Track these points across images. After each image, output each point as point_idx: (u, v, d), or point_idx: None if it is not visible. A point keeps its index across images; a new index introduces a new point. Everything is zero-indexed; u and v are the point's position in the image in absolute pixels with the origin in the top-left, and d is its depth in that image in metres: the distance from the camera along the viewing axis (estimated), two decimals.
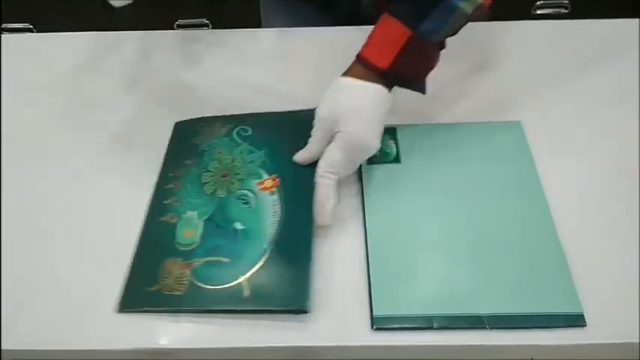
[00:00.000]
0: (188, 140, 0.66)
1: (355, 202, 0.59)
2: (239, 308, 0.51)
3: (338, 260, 0.55)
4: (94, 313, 0.53)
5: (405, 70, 0.56)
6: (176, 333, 0.51)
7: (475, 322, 0.50)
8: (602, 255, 0.54)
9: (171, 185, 0.61)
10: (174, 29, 1.08)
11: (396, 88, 0.57)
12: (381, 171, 0.61)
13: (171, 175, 0.62)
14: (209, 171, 0.62)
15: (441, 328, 0.50)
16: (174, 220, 0.58)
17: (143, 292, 0.53)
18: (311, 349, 0.51)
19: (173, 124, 0.68)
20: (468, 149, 0.63)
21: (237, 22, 0.82)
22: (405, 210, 0.58)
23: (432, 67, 0.58)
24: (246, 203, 0.58)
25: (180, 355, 0.51)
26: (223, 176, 0.61)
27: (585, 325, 0.49)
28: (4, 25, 1.52)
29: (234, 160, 0.62)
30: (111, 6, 0.66)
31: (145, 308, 0.52)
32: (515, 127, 0.64)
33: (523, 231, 0.55)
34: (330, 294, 0.53)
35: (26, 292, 0.54)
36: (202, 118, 0.68)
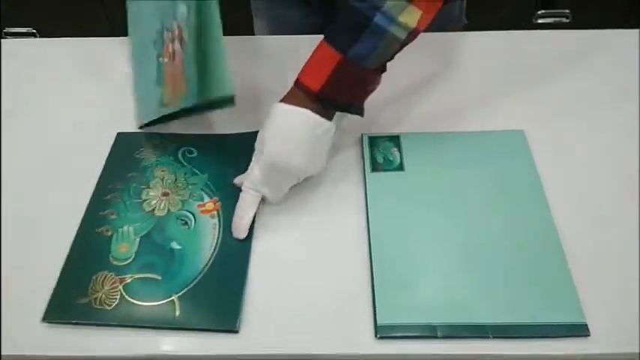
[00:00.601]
0: (130, 153, 0.65)
1: (359, 209, 0.59)
2: (170, 326, 0.51)
3: (342, 268, 0.55)
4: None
5: (337, 93, 0.56)
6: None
7: (478, 331, 0.50)
8: (606, 264, 0.54)
9: (109, 197, 0.61)
10: None
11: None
12: (385, 179, 0.61)
13: (110, 186, 0.62)
14: (150, 188, 0.62)
15: (444, 336, 0.50)
16: (109, 233, 0.58)
17: (72, 303, 0.53)
18: (315, 358, 0.51)
19: (116, 134, 0.67)
20: (472, 158, 0.63)
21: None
22: (408, 218, 0.58)
23: (371, 91, 0.58)
24: (185, 224, 0.58)
25: None
26: (164, 195, 0.61)
27: (589, 335, 0.50)
28: (6, 30, 1.52)
29: (176, 180, 0.62)
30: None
31: (73, 320, 0.52)
32: (518, 136, 0.65)
33: (526, 240, 0.56)
34: (334, 302, 0.53)
35: None
36: (147, 133, 0.67)
